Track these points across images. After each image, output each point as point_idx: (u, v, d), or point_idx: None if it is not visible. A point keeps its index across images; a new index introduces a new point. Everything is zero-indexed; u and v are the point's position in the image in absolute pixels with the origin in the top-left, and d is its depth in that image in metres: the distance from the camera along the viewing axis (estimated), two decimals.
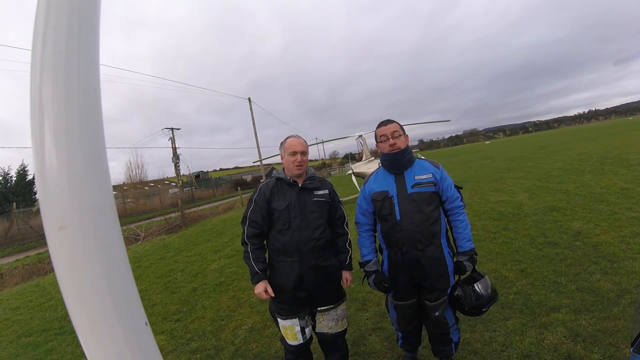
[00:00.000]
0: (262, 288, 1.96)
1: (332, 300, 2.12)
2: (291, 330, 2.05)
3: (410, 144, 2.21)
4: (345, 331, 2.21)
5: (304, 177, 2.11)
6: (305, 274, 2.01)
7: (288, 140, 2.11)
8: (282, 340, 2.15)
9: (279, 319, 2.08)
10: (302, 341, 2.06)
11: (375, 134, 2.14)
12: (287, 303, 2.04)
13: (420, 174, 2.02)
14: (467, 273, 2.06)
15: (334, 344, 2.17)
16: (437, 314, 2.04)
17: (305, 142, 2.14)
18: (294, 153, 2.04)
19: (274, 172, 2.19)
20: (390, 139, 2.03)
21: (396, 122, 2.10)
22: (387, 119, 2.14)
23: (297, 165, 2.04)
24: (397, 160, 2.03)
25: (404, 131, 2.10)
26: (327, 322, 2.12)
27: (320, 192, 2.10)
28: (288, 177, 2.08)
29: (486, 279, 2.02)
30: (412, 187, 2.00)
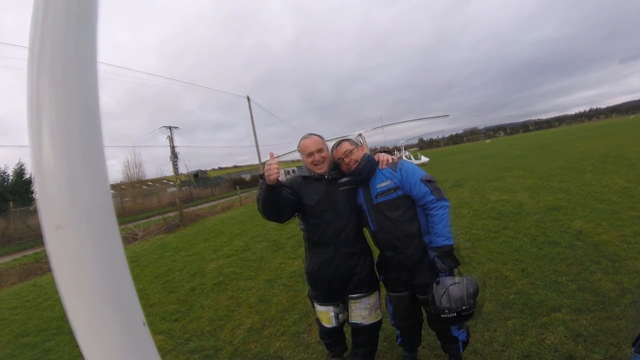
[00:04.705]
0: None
1: (364, 288, 2.16)
2: (326, 315, 2.25)
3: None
4: (380, 322, 2.25)
5: (328, 170, 2.14)
6: (342, 263, 2.10)
7: (301, 142, 2.13)
8: (318, 321, 2.35)
9: (316, 304, 2.28)
10: (335, 325, 2.25)
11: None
12: (323, 290, 2.18)
13: (381, 182, 2.03)
14: (446, 269, 1.91)
15: (367, 336, 2.23)
16: (429, 307, 2.04)
17: (320, 137, 2.15)
18: (310, 154, 2.08)
19: (297, 170, 2.25)
20: (345, 159, 2.05)
21: (346, 141, 2.14)
22: (338, 139, 2.19)
23: (315, 165, 2.09)
24: (358, 175, 2.05)
25: (357, 144, 2.15)
26: (360, 311, 2.17)
27: (345, 179, 2.13)
28: (313, 173, 2.13)
29: (461, 287, 1.82)
30: (376, 197, 2.02)
